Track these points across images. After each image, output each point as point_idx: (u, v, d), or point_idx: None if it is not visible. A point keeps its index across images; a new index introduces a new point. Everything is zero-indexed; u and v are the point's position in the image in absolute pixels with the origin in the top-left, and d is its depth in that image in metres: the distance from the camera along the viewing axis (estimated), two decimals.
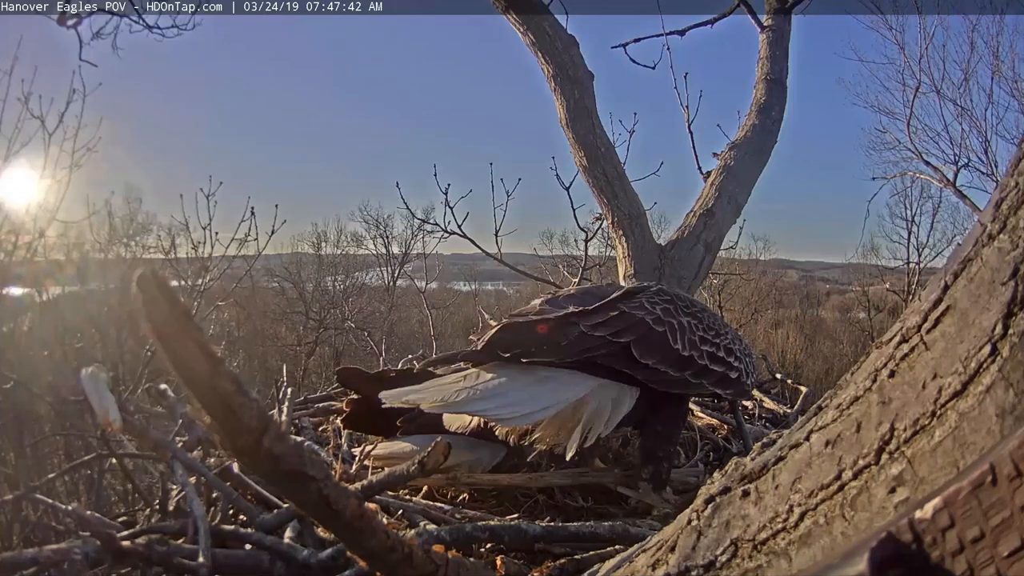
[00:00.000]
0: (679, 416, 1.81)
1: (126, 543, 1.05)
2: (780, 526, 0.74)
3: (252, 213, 5.06)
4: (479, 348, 1.60)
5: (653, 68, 3.94)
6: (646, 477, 1.73)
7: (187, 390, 0.61)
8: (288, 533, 1.28)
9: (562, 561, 1.25)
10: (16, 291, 4.23)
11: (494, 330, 1.60)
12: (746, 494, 0.80)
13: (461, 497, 1.81)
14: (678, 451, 2.11)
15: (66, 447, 3.07)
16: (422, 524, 1.45)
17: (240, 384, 0.63)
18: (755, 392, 2.72)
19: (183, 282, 4.94)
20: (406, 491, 1.75)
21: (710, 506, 0.83)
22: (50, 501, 1.56)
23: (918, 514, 0.54)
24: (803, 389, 2.83)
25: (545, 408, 1.53)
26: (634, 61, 3.95)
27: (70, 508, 1.36)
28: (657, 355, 1.61)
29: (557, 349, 1.54)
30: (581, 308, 1.62)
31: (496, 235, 4.48)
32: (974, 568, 0.52)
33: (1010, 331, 0.59)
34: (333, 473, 1.21)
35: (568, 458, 1.57)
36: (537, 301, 1.80)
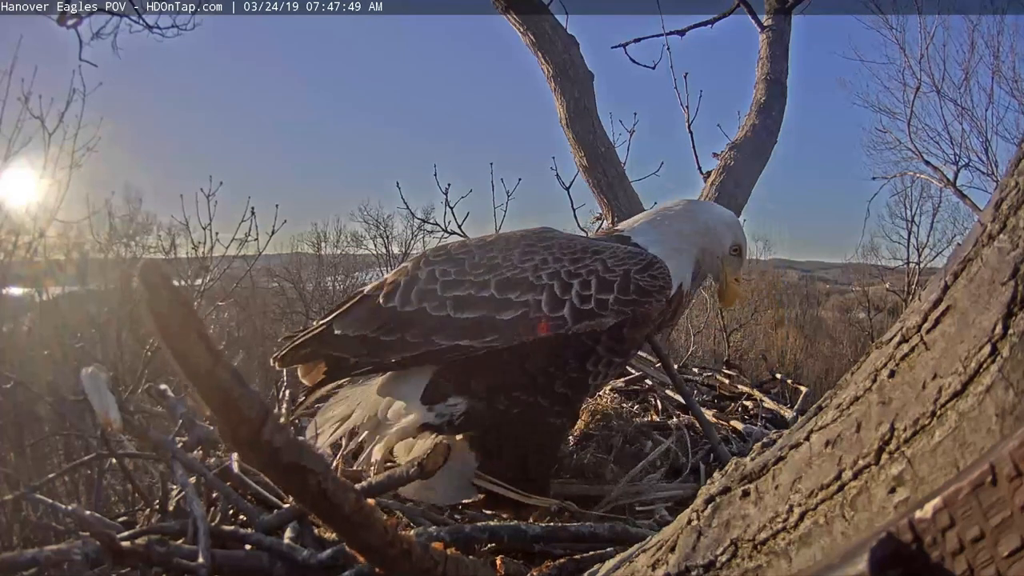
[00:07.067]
0: (509, 416, 1.56)
1: (126, 543, 1.05)
2: (780, 526, 0.74)
3: (252, 213, 5.05)
4: None
5: (653, 68, 3.95)
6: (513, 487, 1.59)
7: (187, 382, 0.61)
8: (288, 534, 1.28)
9: (562, 561, 1.24)
10: (16, 291, 4.23)
11: None
12: (746, 494, 0.80)
13: None
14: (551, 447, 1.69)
15: (66, 447, 3.07)
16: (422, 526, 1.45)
17: (240, 376, 0.63)
18: (755, 392, 2.71)
19: (183, 282, 4.94)
20: None
21: (710, 506, 0.83)
22: (50, 501, 1.56)
23: (918, 514, 0.54)
24: (803, 389, 2.82)
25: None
26: (634, 61, 3.96)
27: (70, 508, 1.37)
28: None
29: None
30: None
31: None
32: (974, 568, 0.52)
33: (1010, 331, 0.59)
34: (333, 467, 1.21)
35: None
36: None
